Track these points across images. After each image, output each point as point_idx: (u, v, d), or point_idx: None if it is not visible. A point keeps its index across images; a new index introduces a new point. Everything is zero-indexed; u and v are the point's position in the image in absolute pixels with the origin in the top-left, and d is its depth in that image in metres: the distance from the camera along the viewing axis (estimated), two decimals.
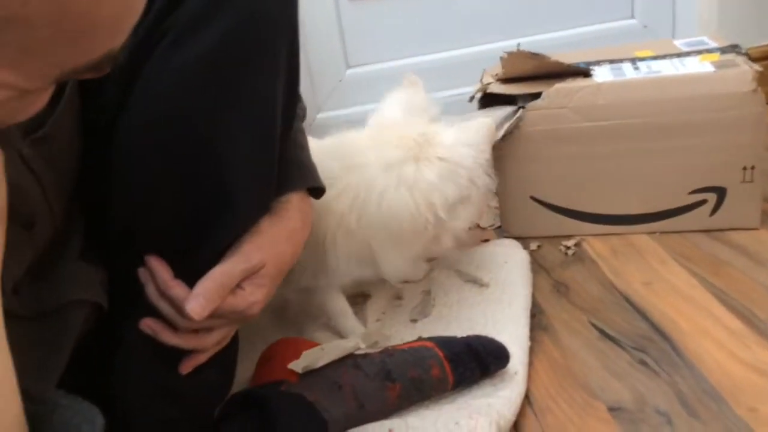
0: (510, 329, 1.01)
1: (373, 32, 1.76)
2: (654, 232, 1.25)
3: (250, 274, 0.71)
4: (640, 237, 1.25)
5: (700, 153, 1.17)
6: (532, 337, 1.01)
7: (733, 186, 1.19)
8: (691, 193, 1.21)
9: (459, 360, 0.89)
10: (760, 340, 0.96)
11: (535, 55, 1.19)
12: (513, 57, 1.21)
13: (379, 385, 0.87)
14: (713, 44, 1.29)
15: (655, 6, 1.77)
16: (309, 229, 0.81)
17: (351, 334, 1.04)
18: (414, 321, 1.08)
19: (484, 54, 1.62)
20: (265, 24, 0.64)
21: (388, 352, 0.90)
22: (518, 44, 1.20)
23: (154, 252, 0.68)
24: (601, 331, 1.03)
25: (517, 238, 1.29)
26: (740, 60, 1.18)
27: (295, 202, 0.78)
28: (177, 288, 0.67)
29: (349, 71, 1.79)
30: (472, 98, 1.30)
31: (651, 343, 0.98)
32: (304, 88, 1.75)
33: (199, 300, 0.65)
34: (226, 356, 0.78)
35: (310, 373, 0.85)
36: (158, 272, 0.68)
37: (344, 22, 1.74)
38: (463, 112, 1.24)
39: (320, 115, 1.81)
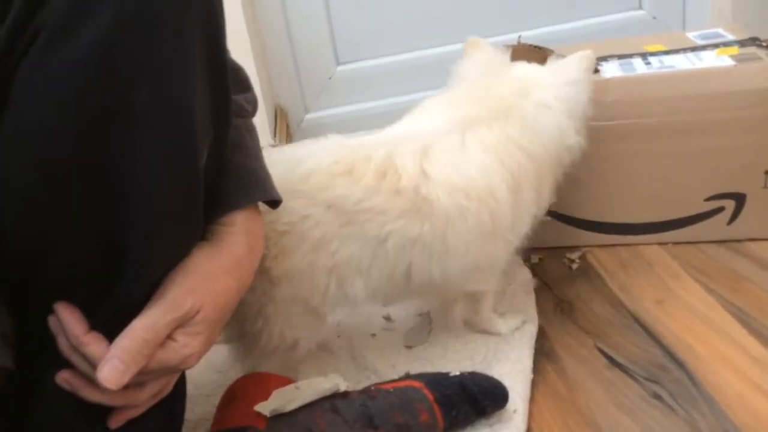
0: (512, 360, 0.91)
1: (364, 26, 1.65)
2: (666, 243, 1.14)
3: (182, 323, 0.60)
4: (650, 248, 1.14)
5: (718, 156, 1.07)
6: (535, 367, 0.91)
7: (754, 192, 1.08)
8: (707, 199, 1.10)
9: (451, 403, 0.79)
10: None
11: (538, 49, 1.08)
12: (516, 50, 1.10)
13: None
14: (731, 37, 1.18)
15: None
16: (260, 252, 0.69)
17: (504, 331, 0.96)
18: (409, 348, 0.97)
19: None
20: (162, 17, 0.52)
21: (371, 394, 0.79)
22: (519, 36, 1.09)
23: (63, 297, 0.57)
24: (610, 358, 0.92)
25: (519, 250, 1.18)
26: (763, 53, 1.07)
27: (240, 224, 0.66)
28: (92, 345, 0.56)
29: (340, 68, 1.69)
30: None
31: (665, 373, 0.88)
32: (291, 85, 1.66)
33: (114, 364, 0.54)
34: (170, 401, 0.67)
35: (281, 417, 0.75)
36: (68, 324, 0.57)
37: (334, 16, 1.63)
38: None
39: (309, 116, 1.70)
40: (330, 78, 1.68)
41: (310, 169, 0.81)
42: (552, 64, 1.00)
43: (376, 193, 0.81)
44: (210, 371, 0.95)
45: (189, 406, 0.83)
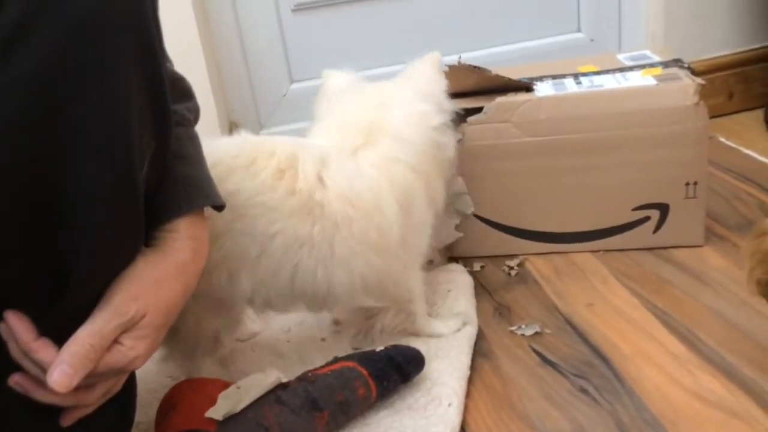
0: (450, 357, 0.96)
1: (317, 45, 1.70)
2: (597, 251, 1.22)
3: (127, 327, 0.63)
4: (583, 256, 1.21)
5: (643, 169, 1.15)
6: (473, 366, 0.97)
7: (677, 202, 1.16)
8: (634, 209, 1.18)
9: (382, 374, 0.86)
10: (704, 365, 0.93)
11: (476, 69, 1.15)
12: (454, 71, 1.17)
13: (307, 417, 0.82)
14: (656, 58, 1.27)
15: (601, 20, 1.75)
16: (205, 256, 0.73)
17: (430, 324, 1.02)
18: (355, 349, 1.02)
19: None
20: (98, 38, 0.54)
21: (309, 380, 0.85)
22: (459, 57, 1.16)
23: (12, 305, 0.60)
24: (542, 357, 0.99)
25: (462, 258, 1.25)
26: (682, 74, 1.16)
27: (183, 229, 0.70)
28: (41, 351, 0.59)
29: (294, 86, 1.74)
30: None
31: (592, 369, 0.95)
32: (245, 102, 1.71)
33: (63, 369, 0.58)
34: (121, 399, 0.70)
35: (231, 419, 0.79)
36: (18, 331, 0.60)
37: (287, 34, 1.68)
38: None
39: (263, 132, 1.75)
40: (284, 95, 1.73)
41: (211, 162, 0.82)
42: (402, 73, 1.08)
43: (272, 190, 0.84)
44: (162, 375, 0.98)
45: (143, 409, 0.88)
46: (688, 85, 1.11)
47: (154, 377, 0.98)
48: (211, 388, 0.83)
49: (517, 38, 1.75)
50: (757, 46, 1.73)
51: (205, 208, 0.75)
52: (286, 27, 1.67)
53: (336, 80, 1.08)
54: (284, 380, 0.84)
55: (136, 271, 0.65)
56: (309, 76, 1.72)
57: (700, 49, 1.69)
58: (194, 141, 0.76)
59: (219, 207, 0.76)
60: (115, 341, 0.63)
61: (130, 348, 0.63)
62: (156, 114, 0.63)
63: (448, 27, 1.72)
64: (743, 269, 0.82)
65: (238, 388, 0.82)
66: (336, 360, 0.91)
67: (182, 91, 0.80)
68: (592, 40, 1.76)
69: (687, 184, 1.15)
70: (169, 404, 0.83)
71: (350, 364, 0.88)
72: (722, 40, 1.71)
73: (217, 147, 0.87)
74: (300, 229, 0.86)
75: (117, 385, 0.68)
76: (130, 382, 0.73)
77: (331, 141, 0.95)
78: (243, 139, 0.91)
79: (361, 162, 0.91)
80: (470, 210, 1.22)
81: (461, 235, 1.23)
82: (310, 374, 0.87)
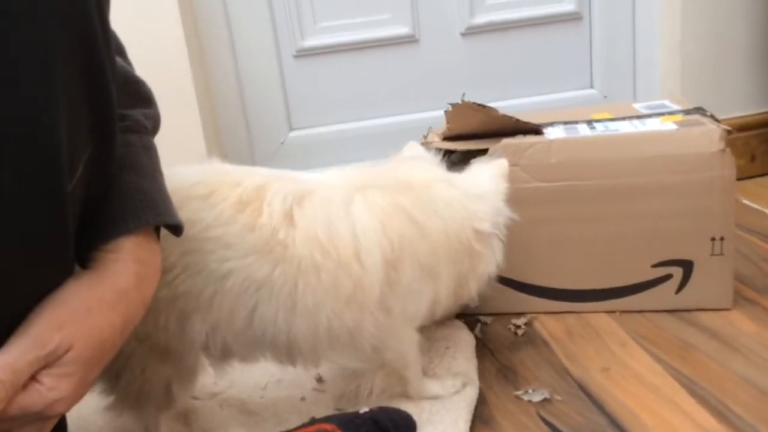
0: (446, 423, 0.84)
1: (319, 93, 1.64)
2: (614, 311, 1.10)
3: (48, 362, 0.52)
4: (598, 316, 1.10)
5: (664, 221, 1.04)
6: None
7: (701, 259, 1.05)
8: (654, 266, 1.07)
9: None
10: None
11: (481, 107, 1.07)
12: (458, 109, 1.09)
13: None
14: (676, 107, 1.18)
15: (615, 76, 1.69)
16: (152, 284, 0.63)
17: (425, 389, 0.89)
18: (340, 411, 0.89)
19: (437, 119, 1.50)
20: (21, 22, 0.46)
21: None
22: (463, 94, 1.08)
23: None
24: (552, 426, 0.86)
25: (462, 316, 1.13)
26: (706, 120, 1.07)
27: (127, 250, 0.60)
28: None
29: (292, 133, 1.66)
30: None
31: None
32: (241, 147, 1.63)
33: None
34: None
35: None
36: None
37: (288, 80, 1.62)
38: None
39: None
40: (282, 143, 1.65)
41: (170, 184, 0.73)
42: (466, 172, 0.97)
43: (229, 223, 0.75)
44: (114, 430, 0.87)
45: None
46: (712, 130, 1.02)
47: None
48: None
49: (528, 92, 1.68)
50: None
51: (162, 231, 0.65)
52: (286, 73, 1.61)
53: (412, 151, 1.01)
54: None
55: (64, 296, 0.54)
56: (309, 124, 1.66)
57: (719, 108, 1.58)
58: (150, 151, 0.67)
59: (175, 228, 0.66)
60: (33, 378, 0.52)
61: (50, 388, 0.52)
62: (94, 112, 0.54)
63: (456, 78, 1.65)
64: None
65: None
66: (313, 421, 0.79)
67: (140, 95, 0.71)
68: (605, 97, 1.69)
69: (713, 239, 1.04)
70: None
71: (328, 427, 0.76)
72: (743, 100, 1.63)
73: (176, 174, 0.77)
74: (258, 271, 0.75)
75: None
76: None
77: (357, 176, 0.86)
78: (209, 167, 0.82)
79: (356, 203, 0.81)
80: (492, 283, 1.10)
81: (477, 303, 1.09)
82: None
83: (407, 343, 0.87)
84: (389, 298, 0.81)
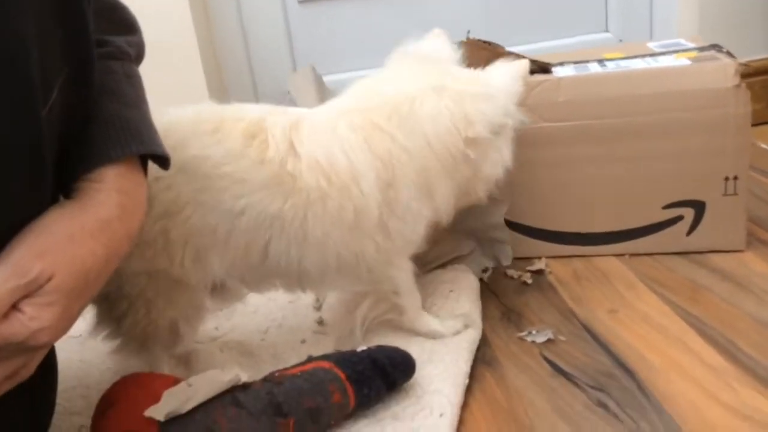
0: (446, 362, 0.83)
1: (325, 40, 1.60)
2: (623, 254, 1.07)
3: (29, 291, 0.51)
4: (607, 260, 1.07)
5: (675, 160, 1.01)
6: (473, 373, 0.83)
7: (714, 200, 1.02)
8: (665, 207, 1.04)
9: (363, 379, 0.73)
10: (746, 378, 0.78)
11: (488, 45, 1.04)
12: (465, 46, 1.05)
13: (268, 423, 0.70)
14: (691, 45, 1.14)
15: (630, 19, 1.63)
16: (138, 216, 0.61)
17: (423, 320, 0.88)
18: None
19: None
20: None
21: (276, 380, 0.72)
22: (468, 32, 1.04)
23: None
24: (555, 366, 0.85)
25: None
26: (722, 56, 1.03)
27: (110, 180, 0.58)
28: None
29: None
30: None
31: (613, 381, 0.80)
32: (246, 97, 1.61)
33: None
34: (32, 389, 0.58)
35: (176, 420, 0.66)
36: None
37: (293, 27, 1.59)
38: None
39: None
40: (288, 92, 1.62)
41: (172, 125, 0.73)
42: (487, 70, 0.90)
43: (240, 158, 0.74)
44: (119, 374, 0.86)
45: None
46: (727, 64, 0.98)
47: (110, 376, 0.86)
48: (159, 385, 0.70)
49: (542, 36, 1.63)
50: None
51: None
52: (291, 19, 1.57)
53: (433, 42, 0.94)
54: (246, 380, 0.71)
55: (45, 224, 0.53)
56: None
57: (737, 51, 1.53)
58: (133, 80, 0.65)
59: (161, 159, 0.64)
60: (14, 308, 0.51)
61: (32, 317, 0.51)
62: (68, 33, 0.52)
63: (465, 24, 1.59)
64: None
65: (189, 385, 0.69)
66: (310, 359, 0.78)
67: (123, 21, 0.69)
68: (620, 40, 1.63)
69: (726, 179, 1.01)
70: (108, 401, 0.70)
71: (326, 364, 0.75)
72: (762, 43, 1.57)
73: (171, 113, 0.76)
74: (270, 205, 0.75)
75: (25, 369, 0.56)
76: (47, 373, 0.60)
77: (344, 100, 0.85)
78: (205, 106, 0.80)
79: (340, 126, 0.79)
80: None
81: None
82: (277, 374, 0.74)
83: (399, 270, 0.86)
84: (388, 218, 0.80)
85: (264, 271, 0.79)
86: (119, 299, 0.75)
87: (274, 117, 0.78)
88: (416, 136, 0.82)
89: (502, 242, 1.07)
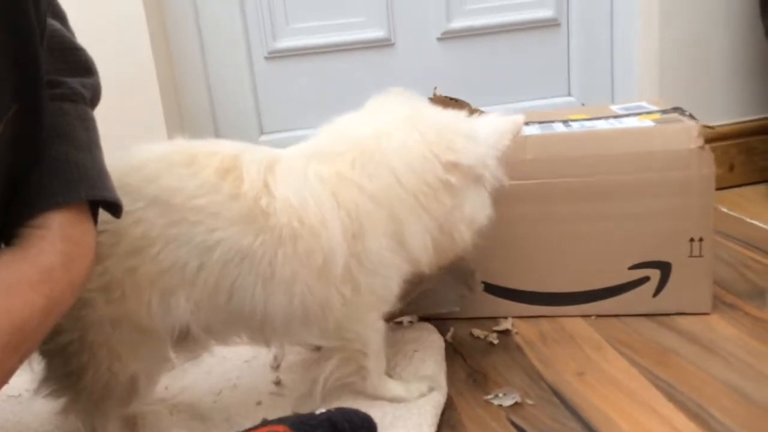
0: (409, 427, 0.79)
1: (290, 97, 1.59)
2: (589, 316, 1.06)
3: None
4: (573, 320, 1.05)
5: (641, 221, 1.01)
6: None
7: (680, 261, 1.01)
8: (631, 268, 1.03)
9: None
10: None
11: (455, 101, 1.03)
12: (431, 102, 1.04)
13: None
14: (654, 107, 1.15)
15: (592, 83, 1.66)
16: (84, 266, 0.57)
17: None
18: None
19: None
20: None
21: None
22: (435, 88, 1.04)
23: None
24: (523, 431, 0.81)
25: (433, 319, 1.08)
26: (684, 118, 1.04)
27: (56, 227, 0.55)
28: None
29: (263, 137, 1.61)
30: None
31: None
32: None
33: None
34: None
35: None
36: None
37: (259, 83, 1.58)
38: None
39: None
40: None
41: (144, 159, 0.72)
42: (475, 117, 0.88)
43: (214, 191, 0.72)
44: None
45: None
46: (691, 126, 0.99)
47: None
48: None
49: (505, 99, 1.65)
50: (759, 116, 1.62)
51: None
52: (258, 75, 1.57)
53: (394, 98, 0.90)
54: None
55: None
56: (281, 128, 1.61)
57: (698, 117, 1.58)
58: (86, 123, 0.62)
59: (112, 206, 0.61)
60: None
61: None
62: (20, 68, 0.49)
63: (432, 84, 1.61)
64: None
65: None
66: (264, 423, 0.73)
67: (79, 63, 0.66)
68: (583, 104, 1.66)
69: (692, 240, 1.00)
70: None
71: (280, 429, 0.70)
72: (722, 109, 1.61)
73: (144, 150, 0.75)
74: (242, 240, 0.73)
75: None
76: None
77: (314, 143, 0.84)
78: (178, 141, 0.79)
79: (309, 172, 0.78)
80: (479, 289, 1.06)
81: (458, 309, 1.06)
82: None
83: (371, 330, 0.83)
84: (357, 271, 0.78)
85: (228, 316, 0.75)
86: (79, 351, 0.70)
87: (249, 155, 0.77)
88: (382, 176, 0.79)
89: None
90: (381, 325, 0.84)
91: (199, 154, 0.75)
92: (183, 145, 0.77)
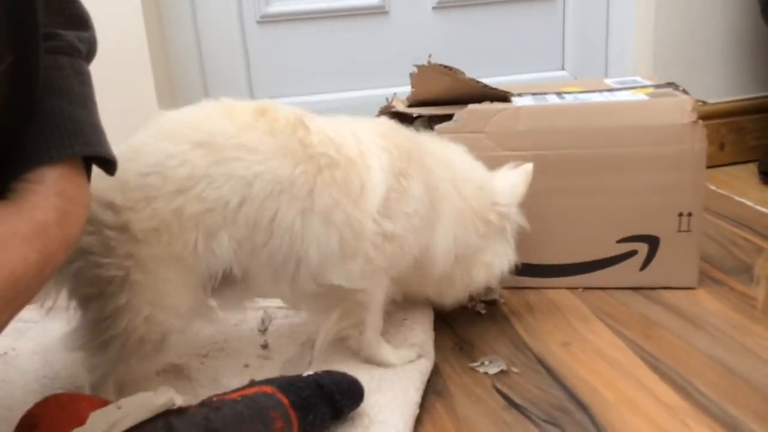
0: (396, 391, 0.79)
1: (281, 63, 1.58)
2: (576, 288, 1.06)
3: None
4: (559, 292, 1.06)
5: (631, 194, 1.01)
6: (423, 404, 0.80)
7: (668, 235, 1.02)
8: (619, 241, 1.03)
9: (308, 405, 0.70)
10: (701, 416, 0.77)
11: (448, 70, 1.02)
12: (424, 72, 1.04)
13: None
14: (648, 82, 1.15)
15: (586, 58, 1.65)
16: (78, 222, 0.57)
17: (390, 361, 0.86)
18: None
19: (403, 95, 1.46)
20: None
21: (213, 405, 0.67)
22: (429, 56, 1.03)
23: None
24: (507, 399, 0.82)
25: None
26: (678, 92, 1.03)
27: (50, 182, 0.54)
28: None
29: None
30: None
31: (566, 416, 0.78)
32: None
33: None
34: None
35: None
36: None
37: (251, 48, 1.56)
38: None
39: None
40: None
41: (182, 112, 0.78)
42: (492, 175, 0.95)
43: (252, 129, 0.76)
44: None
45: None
46: (684, 100, 0.99)
47: (35, 398, 0.79)
48: (84, 407, 0.64)
49: (498, 71, 1.63)
50: (751, 96, 1.62)
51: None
52: (249, 39, 1.55)
53: None
54: (180, 403, 0.66)
55: None
56: (272, 95, 1.58)
57: (696, 86, 1.58)
58: (82, 77, 0.61)
59: (106, 163, 0.60)
60: None
61: None
62: (13, 17, 0.48)
63: (424, 53, 1.60)
64: (758, 293, 0.67)
65: (119, 408, 0.64)
66: (252, 384, 0.74)
67: (75, 16, 0.64)
68: (575, 78, 1.65)
69: (680, 214, 1.01)
70: (28, 423, 0.64)
71: (268, 389, 0.71)
72: (715, 87, 1.61)
73: (181, 110, 0.79)
74: (280, 171, 0.76)
75: None
76: None
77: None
78: (210, 101, 0.81)
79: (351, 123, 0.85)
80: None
81: None
82: (215, 399, 0.69)
83: (379, 287, 0.84)
84: (394, 206, 0.80)
85: (267, 260, 0.77)
86: (119, 292, 0.70)
87: (283, 108, 0.81)
88: (442, 170, 0.88)
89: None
90: (386, 285, 0.85)
91: (235, 105, 0.79)
92: (216, 102, 0.80)
